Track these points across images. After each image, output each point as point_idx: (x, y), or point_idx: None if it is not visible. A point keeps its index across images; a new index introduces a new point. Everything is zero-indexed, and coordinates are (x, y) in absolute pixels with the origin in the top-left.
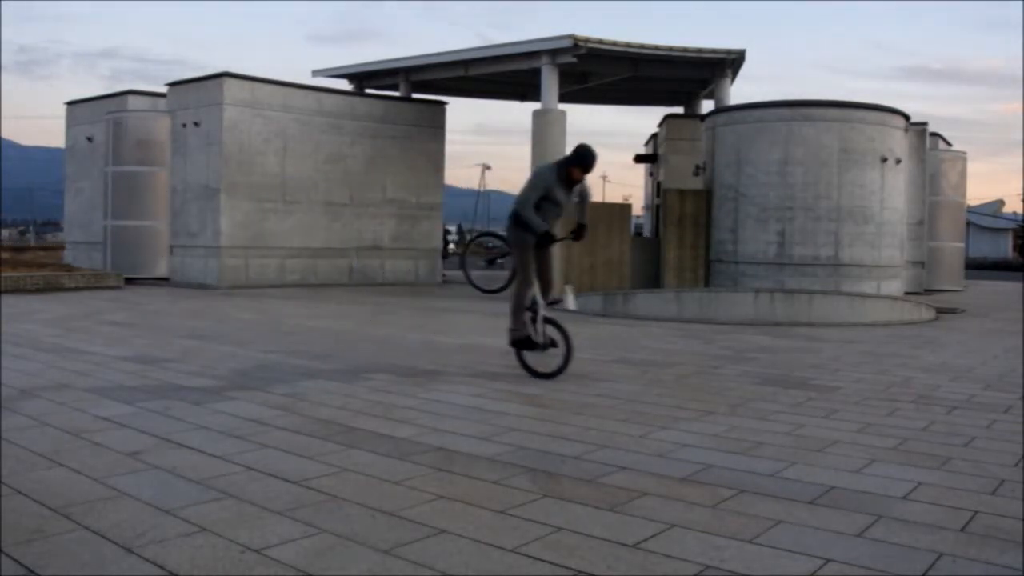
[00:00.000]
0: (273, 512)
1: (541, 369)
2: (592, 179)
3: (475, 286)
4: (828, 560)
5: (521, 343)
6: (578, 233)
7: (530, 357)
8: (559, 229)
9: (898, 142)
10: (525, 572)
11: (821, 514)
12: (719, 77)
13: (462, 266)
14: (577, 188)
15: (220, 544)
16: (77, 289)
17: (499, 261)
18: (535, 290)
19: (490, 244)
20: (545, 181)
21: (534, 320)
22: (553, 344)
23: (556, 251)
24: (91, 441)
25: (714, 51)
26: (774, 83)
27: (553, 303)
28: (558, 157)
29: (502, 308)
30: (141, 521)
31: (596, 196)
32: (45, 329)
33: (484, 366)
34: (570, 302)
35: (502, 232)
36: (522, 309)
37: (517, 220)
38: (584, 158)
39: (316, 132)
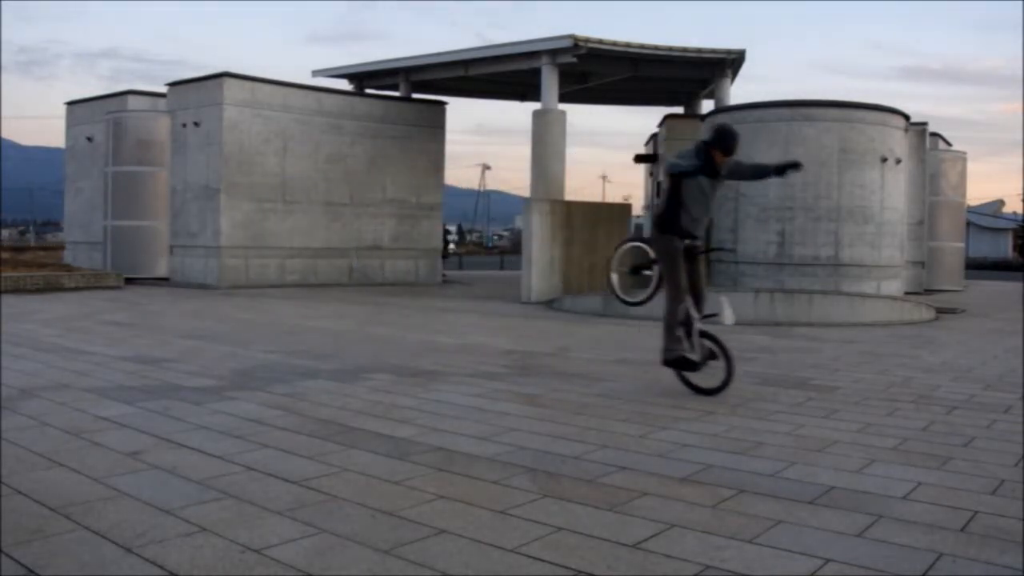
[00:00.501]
0: (273, 512)
1: (703, 384)
2: (592, 179)
3: (619, 297)
4: (828, 560)
5: (676, 363)
6: (791, 165)
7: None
8: (702, 234)
9: (898, 142)
10: (525, 572)
11: (821, 514)
12: (719, 77)
13: (608, 278)
14: (723, 173)
15: (220, 544)
16: (77, 289)
17: (645, 273)
18: (688, 304)
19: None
20: (692, 161)
21: (688, 335)
22: (712, 357)
23: (556, 250)
24: (91, 441)
25: (714, 51)
26: (774, 83)
27: (708, 317)
28: (689, 146)
29: (502, 309)
30: (141, 521)
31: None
32: (45, 329)
33: (484, 366)
34: (727, 316)
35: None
36: (675, 326)
37: (662, 226)
38: (726, 138)
39: (316, 132)
